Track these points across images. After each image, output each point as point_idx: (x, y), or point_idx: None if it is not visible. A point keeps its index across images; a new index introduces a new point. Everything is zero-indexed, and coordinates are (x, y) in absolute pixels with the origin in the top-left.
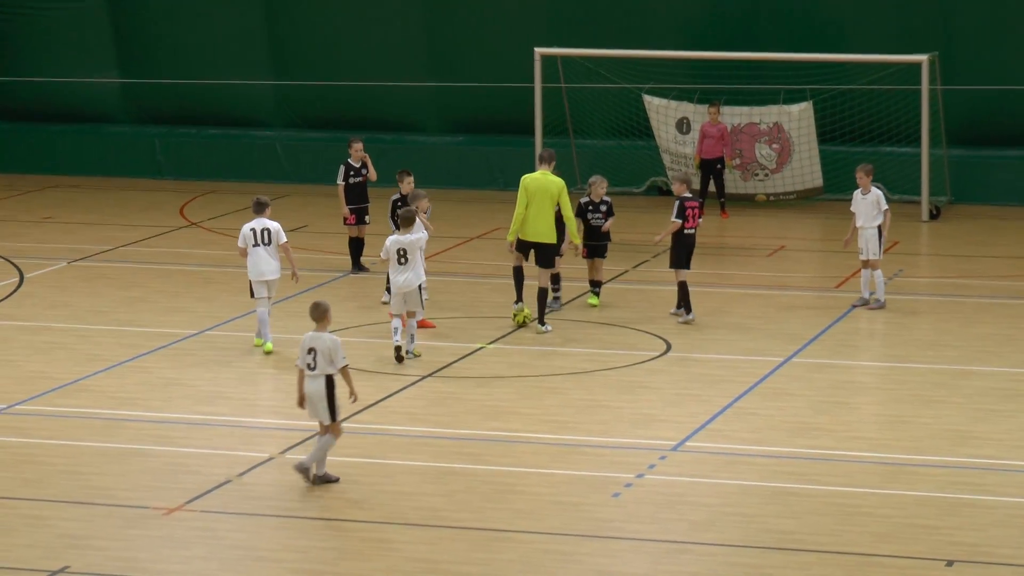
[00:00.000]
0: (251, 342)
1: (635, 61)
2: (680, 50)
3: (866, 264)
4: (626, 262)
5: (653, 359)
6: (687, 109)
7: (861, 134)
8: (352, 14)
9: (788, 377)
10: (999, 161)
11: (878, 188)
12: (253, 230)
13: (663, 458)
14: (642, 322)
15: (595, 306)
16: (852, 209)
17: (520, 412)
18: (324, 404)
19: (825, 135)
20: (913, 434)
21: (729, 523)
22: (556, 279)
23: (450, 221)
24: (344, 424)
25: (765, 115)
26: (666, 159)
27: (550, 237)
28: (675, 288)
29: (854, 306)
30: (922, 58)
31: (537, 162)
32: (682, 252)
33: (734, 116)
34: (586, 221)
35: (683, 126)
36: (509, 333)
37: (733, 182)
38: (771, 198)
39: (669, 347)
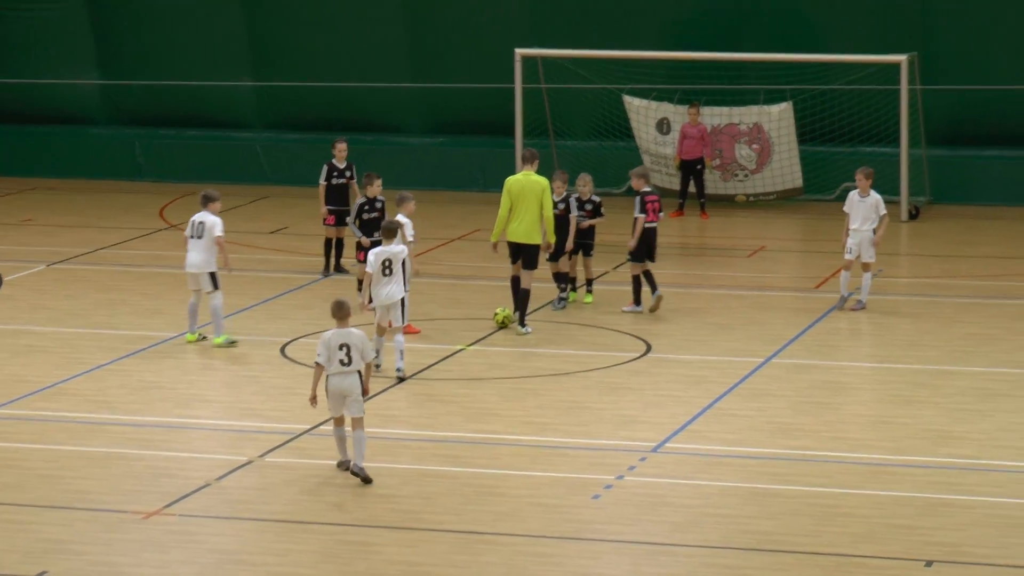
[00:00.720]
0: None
1: (615, 62)
2: (660, 51)
3: (849, 265)
4: (607, 263)
5: (633, 360)
6: (667, 110)
7: (841, 134)
8: (333, 15)
9: (768, 378)
10: (978, 161)
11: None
12: (192, 222)
13: (643, 459)
14: (622, 323)
15: (589, 303)
16: (845, 210)
17: (501, 414)
18: (359, 397)
19: (805, 135)
20: (893, 434)
21: (709, 524)
22: (564, 278)
23: (431, 222)
24: (321, 427)
25: (745, 116)
26: (647, 160)
27: (535, 238)
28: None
29: (835, 308)
30: (901, 58)
31: (520, 163)
32: (642, 246)
33: (714, 117)
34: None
35: (663, 127)
36: (490, 334)
37: (713, 183)
38: (751, 199)
39: (649, 348)
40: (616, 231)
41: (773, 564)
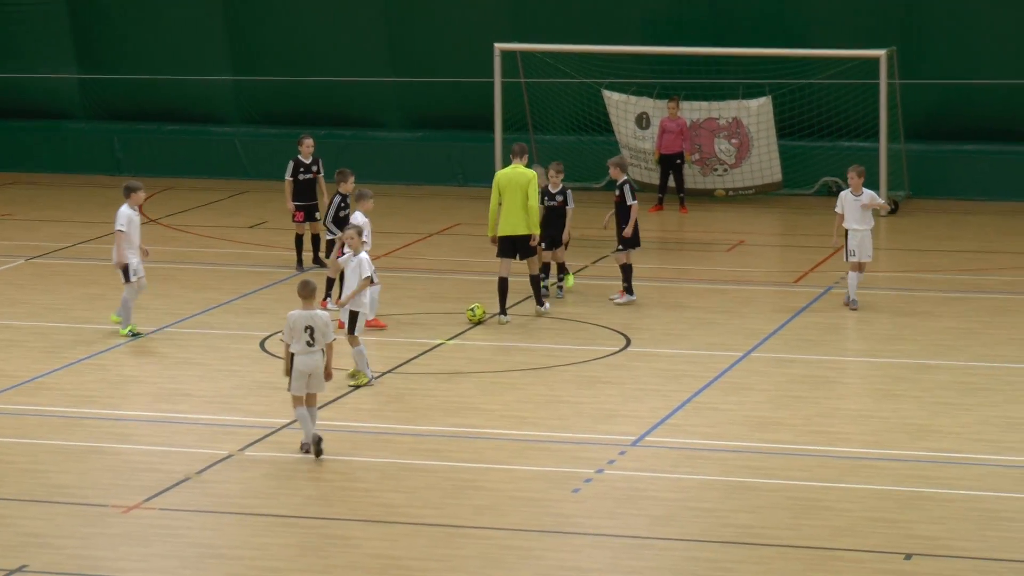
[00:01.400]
0: (210, 339)
1: (595, 56)
2: (639, 45)
3: (856, 267)
4: (585, 257)
5: (613, 354)
6: (646, 104)
7: (820, 129)
8: (312, 9)
9: (748, 372)
10: (957, 155)
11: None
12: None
13: (623, 453)
14: (602, 317)
15: (571, 287)
16: (837, 210)
17: (480, 408)
18: (321, 375)
19: (784, 130)
20: (873, 428)
21: (689, 518)
22: (562, 268)
23: (410, 217)
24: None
25: (724, 110)
26: (626, 154)
27: (525, 229)
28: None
29: (845, 304)
30: (880, 53)
31: (510, 156)
32: (636, 233)
33: (693, 111)
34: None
35: (642, 121)
36: (468, 329)
37: (692, 177)
38: (730, 193)
39: (629, 342)
40: (596, 225)
41: (753, 557)
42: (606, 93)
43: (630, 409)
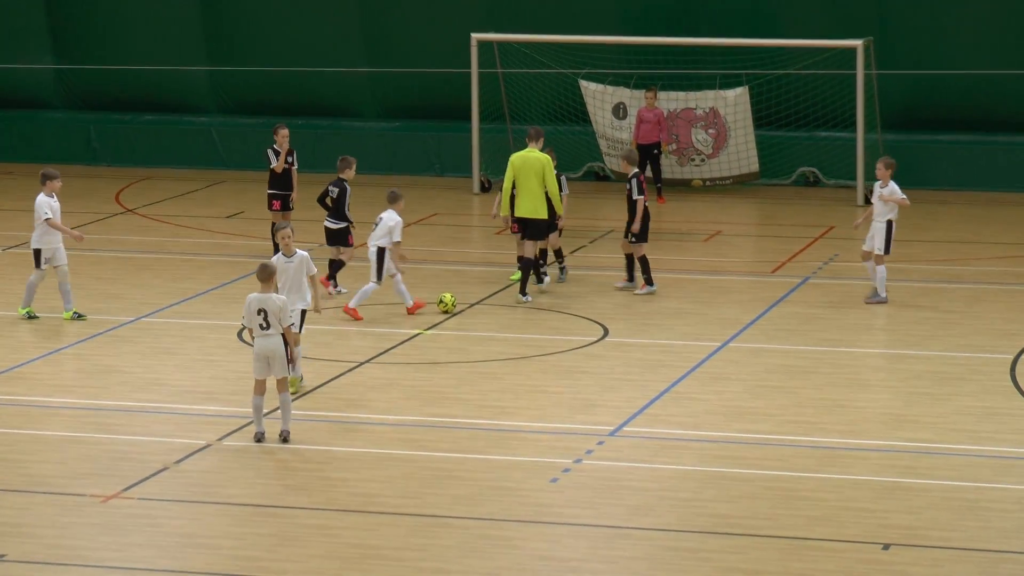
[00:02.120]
0: (188, 328)
1: (571, 46)
2: (616, 35)
3: (868, 256)
4: (564, 247)
5: (591, 344)
6: (623, 94)
7: (797, 119)
8: None
9: (725, 361)
10: (934, 146)
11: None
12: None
13: (601, 443)
14: (580, 307)
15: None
16: (873, 200)
17: (458, 398)
18: (282, 359)
19: (761, 120)
20: (849, 418)
21: (666, 507)
22: (558, 254)
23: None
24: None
25: (701, 100)
26: (603, 144)
27: (539, 212)
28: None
29: (867, 300)
30: (857, 43)
31: (526, 139)
32: (647, 225)
33: (670, 101)
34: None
35: (620, 111)
36: (447, 319)
37: (669, 167)
38: (707, 183)
39: (607, 332)
40: (574, 215)
41: (730, 547)
42: (583, 83)
43: (608, 399)
